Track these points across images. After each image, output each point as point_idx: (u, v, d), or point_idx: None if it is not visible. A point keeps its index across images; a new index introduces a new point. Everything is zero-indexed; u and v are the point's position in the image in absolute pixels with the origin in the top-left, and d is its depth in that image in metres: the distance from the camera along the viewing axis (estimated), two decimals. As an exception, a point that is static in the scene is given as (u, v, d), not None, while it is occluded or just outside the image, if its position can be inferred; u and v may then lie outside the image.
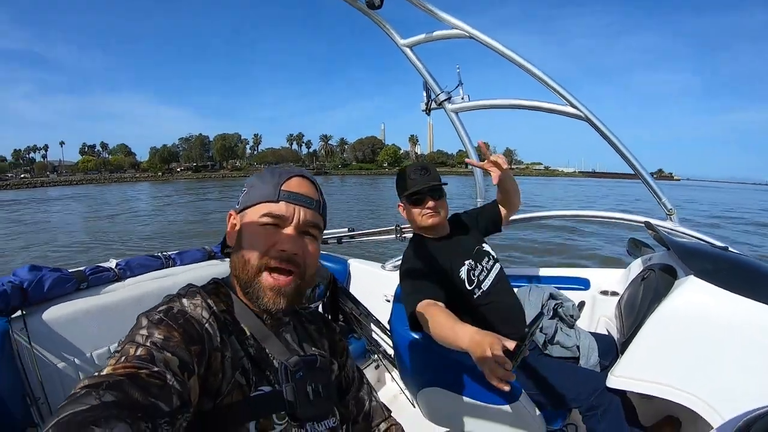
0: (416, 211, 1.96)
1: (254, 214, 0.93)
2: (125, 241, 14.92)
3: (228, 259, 0.99)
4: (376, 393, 1.26)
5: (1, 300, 1.67)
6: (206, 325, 0.83)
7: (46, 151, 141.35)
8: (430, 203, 1.93)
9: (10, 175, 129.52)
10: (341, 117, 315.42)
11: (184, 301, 0.87)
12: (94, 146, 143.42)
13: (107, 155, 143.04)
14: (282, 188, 0.93)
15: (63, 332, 1.80)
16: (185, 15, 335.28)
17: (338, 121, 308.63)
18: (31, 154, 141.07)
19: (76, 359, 1.81)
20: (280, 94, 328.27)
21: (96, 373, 0.65)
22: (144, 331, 0.75)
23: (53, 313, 1.80)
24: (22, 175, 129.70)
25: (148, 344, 0.71)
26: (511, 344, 1.13)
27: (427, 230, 2.01)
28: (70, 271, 1.99)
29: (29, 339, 1.69)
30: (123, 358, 0.69)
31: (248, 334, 0.92)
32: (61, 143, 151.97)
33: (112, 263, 2.21)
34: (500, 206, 2.21)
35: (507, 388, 1.09)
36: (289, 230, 0.92)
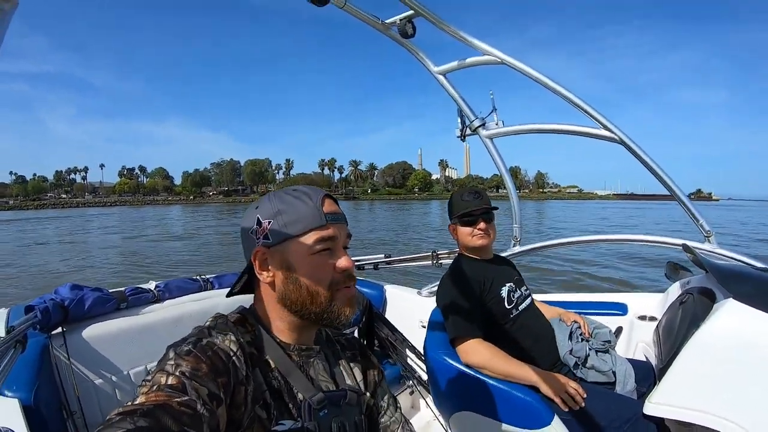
0: (467, 230, 2.05)
1: (304, 244, 0.91)
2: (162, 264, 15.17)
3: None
4: (411, 425, 1.21)
5: (43, 316, 1.73)
6: (233, 357, 0.83)
7: (85, 172, 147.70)
8: (482, 225, 2.03)
9: (49, 195, 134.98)
10: (375, 142, 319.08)
11: (213, 332, 0.87)
12: (132, 169, 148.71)
13: (145, 178, 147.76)
14: (325, 211, 0.93)
15: (101, 350, 1.85)
16: (225, 42, 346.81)
17: (372, 146, 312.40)
18: (72, 176, 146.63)
19: (113, 376, 1.86)
20: (315, 120, 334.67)
21: (129, 402, 0.66)
22: (173, 362, 0.75)
23: (93, 331, 1.85)
24: (62, 195, 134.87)
25: (177, 374, 0.72)
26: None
27: (474, 251, 2.09)
28: (110, 291, 2.05)
29: (68, 355, 1.75)
30: (155, 386, 0.70)
31: (273, 366, 0.91)
32: (101, 166, 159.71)
33: (151, 285, 2.27)
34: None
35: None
36: (340, 250, 0.94)
